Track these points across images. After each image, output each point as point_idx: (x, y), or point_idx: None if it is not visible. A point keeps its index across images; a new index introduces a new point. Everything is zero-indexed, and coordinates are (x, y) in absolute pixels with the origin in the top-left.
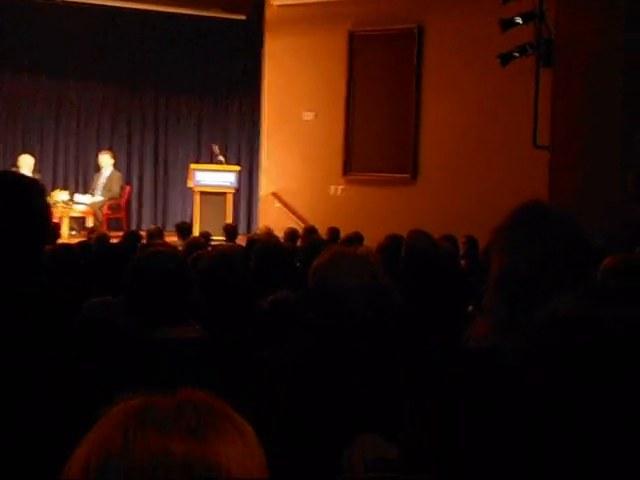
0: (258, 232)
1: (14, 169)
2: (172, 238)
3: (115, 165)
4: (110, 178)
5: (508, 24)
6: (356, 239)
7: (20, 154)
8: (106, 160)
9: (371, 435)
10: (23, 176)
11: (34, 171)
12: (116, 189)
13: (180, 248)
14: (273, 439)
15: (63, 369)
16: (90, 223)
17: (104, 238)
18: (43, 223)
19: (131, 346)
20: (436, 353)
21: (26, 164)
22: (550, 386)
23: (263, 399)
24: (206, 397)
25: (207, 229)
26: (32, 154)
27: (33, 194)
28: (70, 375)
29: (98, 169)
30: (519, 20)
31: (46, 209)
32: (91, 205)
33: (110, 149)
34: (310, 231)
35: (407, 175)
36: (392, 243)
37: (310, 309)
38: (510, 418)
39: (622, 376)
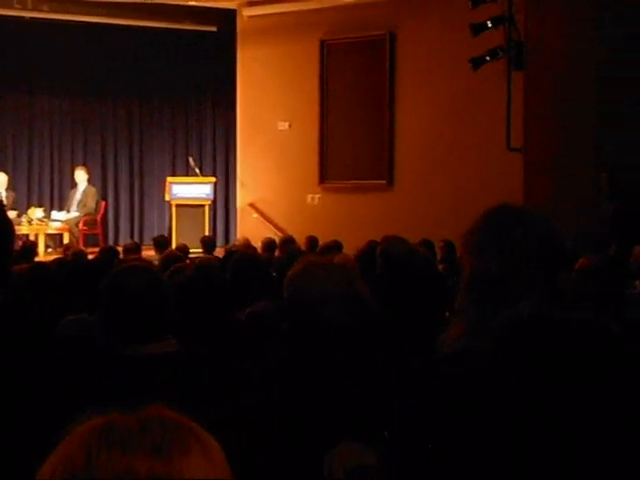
0: (236, 243)
1: None
2: (150, 252)
3: (90, 180)
4: (85, 193)
5: (478, 28)
6: (335, 247)
7: None
8: (81, 176)
9: (351, 442)
10: None
11: (8, 189)
12: (91, 204)
13: (156, 262)
14: (254, 448)
15: (32, 385)
16: (66, 240)
17: (80, 254)
18: (6, 240)
19: (106, 362)
20: (411, 359)
21: (0, 182)
22: (513, 388)
23: (242, 411)
24: (171, 414)
25: (185, 242)
26: (5, 171)
27: None
28: (40, 391)
29: (74, 185)
30: (489, 24)
31: (8, 226)
32: (67, 222)
33: (84, 164)
34: (287, 241)
35: (383, 181)
36: (369, 250)
37: (285, 319)
38: (482, 419)
39: (591, 377)
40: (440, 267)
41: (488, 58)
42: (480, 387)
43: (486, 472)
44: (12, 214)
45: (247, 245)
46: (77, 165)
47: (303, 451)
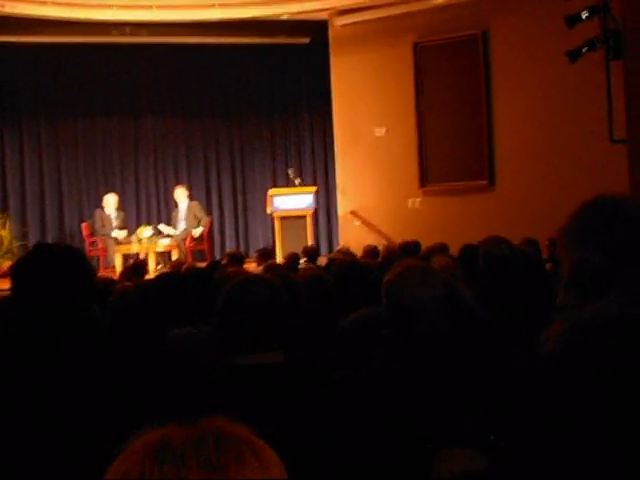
0: (336, 252)
1: (99, 209)
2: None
3: (191, 197)
4: (190, 209)
5: (573, 20)
6: (439, 250)
7: (104, 194)
8: (181, 194)
9: (459, 448)
10: (68, 246)
11: (118, 209)
12: (202, 214)
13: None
14: (360, 455)
15: (142, 398)
16: (175, 256)
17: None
18: (90, 285)
19: (217, 372)
20: (516, 360)
21: (110, 203)
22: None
23: (346, 419)
24: (228, 427)
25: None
26: (115, 192)
27: (80, 261)
28: (149, 404)
29: (176, 205)
30: (584, 15)
31: (91, 273)
32: (174, 238)
33: (183, 183)
34: (390, 248)
35: (484, 181)
36: (470, 251)
37: (386, 325)
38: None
39: None
40: (547, 266)
41: (585, 49)
42: (572, 388)
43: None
44: (123, 233)
45: (347, 252)
46: (179, 184)
47: (410, 457)
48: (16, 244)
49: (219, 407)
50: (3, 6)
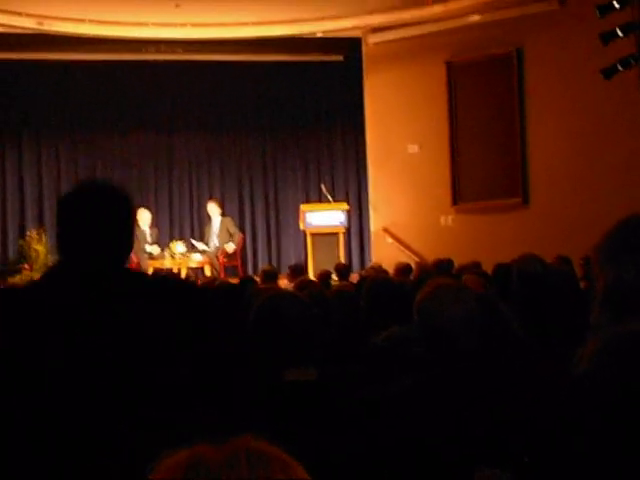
0: (368, 269)
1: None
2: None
3: (223, 213)
4: (223, 225)
5: (608, 37)
6: (472, 268)
7: (137, 209)
8: (213, 209)
9: (489, 468)
10: (114, 186)
11: (151, 225)
12: (235, 230)
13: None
14: (387, 476)
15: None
16: (208, 272)
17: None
18: (130, 230)
19: (259, 387)
20: (550, 379)
21: (144, 218)
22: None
23: (372, 437)
24: (259, 446)
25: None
26: (148, 208)
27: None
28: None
29: (209, 219)
30: (619, 32)
31: (133, 216)
32: (207, 254)
33: (216, 198)
34: (422, 265)
35: (518, 199)
36: (503, 270)
37: (417, 343)
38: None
39: None
40: (582, 284)
41: (620, 67)
42: (603, 408)
43: None
44: (156, 249)
45: (379, 270)
46: (211, 199)
47: (441, 476)
48: (52, 258)
49: (255, 423)
50: (42, 24)
